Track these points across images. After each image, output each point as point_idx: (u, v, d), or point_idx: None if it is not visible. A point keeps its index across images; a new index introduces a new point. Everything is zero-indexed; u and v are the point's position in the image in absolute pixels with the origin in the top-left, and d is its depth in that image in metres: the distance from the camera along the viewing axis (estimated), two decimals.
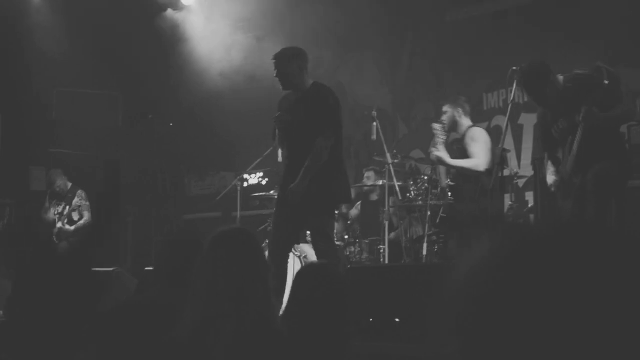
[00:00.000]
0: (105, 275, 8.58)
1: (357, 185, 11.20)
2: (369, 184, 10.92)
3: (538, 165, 8.91)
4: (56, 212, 11.71)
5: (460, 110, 9.14)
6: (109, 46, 12.63)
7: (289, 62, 7.38)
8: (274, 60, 7.46)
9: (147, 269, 8.55)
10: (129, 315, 4.02)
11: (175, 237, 5.01)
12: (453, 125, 9.21)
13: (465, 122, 9.13)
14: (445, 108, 9.24)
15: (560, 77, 6.92)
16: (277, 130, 7.47)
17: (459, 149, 9.08)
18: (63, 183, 11.80)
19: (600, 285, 1.13)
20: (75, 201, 11.63)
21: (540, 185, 8.35)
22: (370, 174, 11.02)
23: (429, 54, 12.66)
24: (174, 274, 4.25)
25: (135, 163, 11.35)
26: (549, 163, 7.22)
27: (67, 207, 11.61)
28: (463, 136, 9.07)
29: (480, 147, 8.84)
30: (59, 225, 11.56)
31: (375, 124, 9.65)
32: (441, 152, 8.83)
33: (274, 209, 8.09)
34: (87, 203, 11.67)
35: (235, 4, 11.46)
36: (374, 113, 9.74)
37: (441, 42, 12.41)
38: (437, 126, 9.03)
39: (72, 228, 11.55)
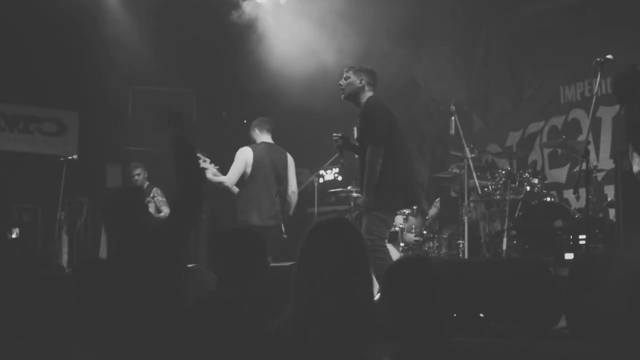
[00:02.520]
0: (187, 271, 8.60)
1: (433, 176, 11.17)
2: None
3: (619, 159, 8.78)
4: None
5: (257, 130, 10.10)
6: (182, 43, 12.73)
7: (356, 75, 7.57)
8: (346, 71, 7.67)
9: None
10: (214, 312, 4.03)
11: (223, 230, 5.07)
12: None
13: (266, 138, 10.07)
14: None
15: None
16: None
17: None
18: (142, 177, 11.82)
19: None
20: (156, 198, 11.61)
21: (621, 179, 8.21)
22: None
23: (503, 48, 12.55)
24: (235, 268, 4.29)
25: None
26: (635, 154, 7.07)
27: (152, 205, 11.59)
28: None
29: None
30: None
31: (453, 118, 9.58)
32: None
33: None
34: (164, 199, 11.63)
35: (310, 1, 11.46)
36: (452, 107, 9.66)
37: (516, 35, 12.30)
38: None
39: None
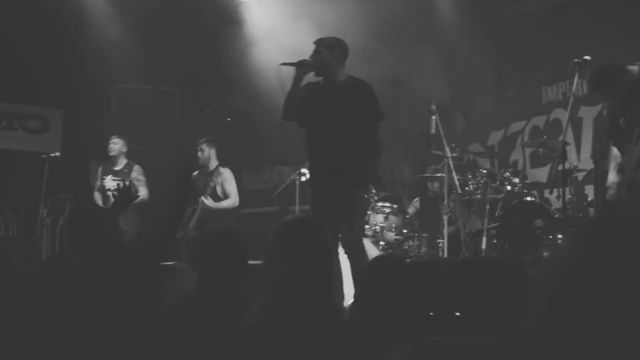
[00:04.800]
0: (166, 269, 8.60)
1: (415, 176, 11.21)
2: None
3: (599, 159, 8.83)
4: (104, 187, 11.34)
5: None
6: (166, 41, 12.72)
7: (329, 50, 7.43)
8: (314, 45, 7.49)
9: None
10: (192, 314, 4.04)
11: (215, 232, 5.02)
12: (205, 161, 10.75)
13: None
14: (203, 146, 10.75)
15: (636, 68, 6.81)
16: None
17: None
18: (118, 147, 11.47)
19: None
20: (133, 175, 11.23)
21: (600, 179, 8.26)
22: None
23: (486, 48, 12.58)
24: (218, 270, 4.29)
25: (192, 158, 11.36)
26: (612, 156, 7.10)
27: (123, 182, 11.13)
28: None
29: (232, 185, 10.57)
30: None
31: (434, 117, 9.61)
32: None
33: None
34: (145, 179, 11.32)
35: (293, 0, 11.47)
36: (433, 107, 9.70)
37: (499, 35, 12.33)
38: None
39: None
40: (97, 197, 11.43)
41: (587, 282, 1.19)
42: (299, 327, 3.36)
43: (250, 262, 4.35)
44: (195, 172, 10.96)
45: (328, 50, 7.41)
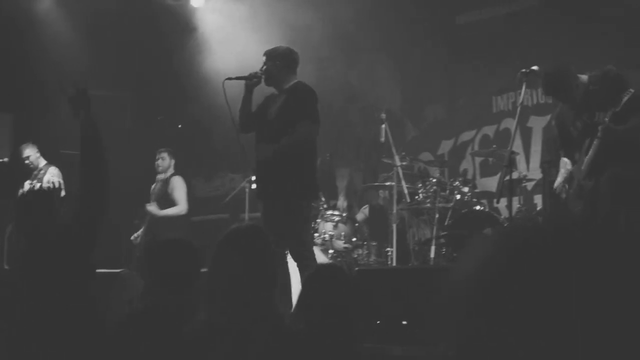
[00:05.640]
0: (112, 277, 8.54)
1: (366, 185, 11.23)
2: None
3: (547, 168, 8.90)
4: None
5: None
6: (118, 47, 12.65)
7: (271, 60, 7.42)
8: (264, 56, 7.49)
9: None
10: (140, 325, 4.01)
11: (167, 240, 4.97)
12: (164, 170, 10.89)
13: None
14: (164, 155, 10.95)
15: (584, 77, 6.88)
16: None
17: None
18: (34, 157, 11.18)
19: (600, 287, 1.12)
20: (47, 178, 10.94)
21: (548, 188, 8.32)
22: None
23: (438, 57, 12.64)
24: (170, 278, 4.25)
25: (143, 164, 11.29)
26: (563, 164, 7.16)
27: (38, 185, 10.74)
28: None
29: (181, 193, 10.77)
30: None
31: (383, 126, 9.63)
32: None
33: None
34: (60, 180, 10.96)
35: (241, 6, 11.46)
36: (383, 115, 9.72)
37: (452, 44, 12.40)
38: None
39: None
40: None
41: (504, 286, 1.19)
42: (241, 334, 3.37)
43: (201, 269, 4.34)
44: (154, 184, 11.01)
45: (271, 60, 7.44)
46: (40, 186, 10.26)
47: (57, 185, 10.67)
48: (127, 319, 4.20)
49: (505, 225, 8.81)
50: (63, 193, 10.79)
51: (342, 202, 11.93)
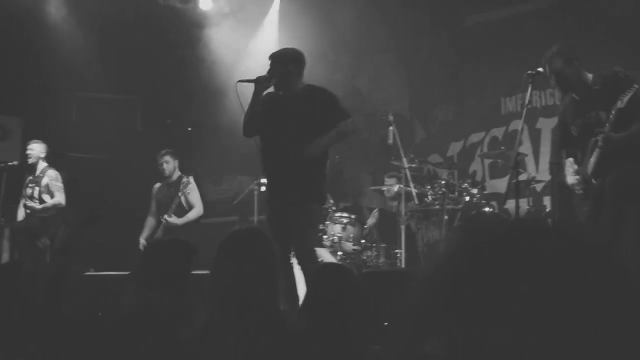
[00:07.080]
0: (122, 279, 8.56)
1: (374, 188, 11.22)
2: (386, 191, 10.94)
3: (555, 170, 8.87)
4: (26, 195, 11.05)
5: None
6: (128, 51, 12.69)
7: (282, 63, 7.35)
8: (270, 59, 7.42)
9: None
10: (133, 325, 4.01)
11: (163, 240, 4.96)
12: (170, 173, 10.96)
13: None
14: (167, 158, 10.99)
15: (590, 75, 6.86)
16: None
17: None
18: (36, 153, 11.16)
19: (547, 280, 1.15)
20: (44, 181, 10.99)
21: (557, 189, 8.29)
22: (392, 180, 10.91)
23: (446, 58, 12.64)
24: (164, 278, 4.25)
25: (153, 166, 11.30)
26: (568, 163, 7.10)
27: (37, 189, 10.90)
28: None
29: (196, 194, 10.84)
30: (29, 203, 10.94)
31: (391, 128, 9.64)
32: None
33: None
34: (59, 184, 10.99)
35: (250, 10, 11.48)
36: (390, 117, 9.73)
37: (459, 46, 12.40)
38: None
39: (39, 206, 10.87)
40: (20, 206, 11.17)
41: (471, 281, 1.22)
42: (243, 336, 3.37)
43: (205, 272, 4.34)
44: (157, 185, 10.95)
45: (282, 63, 7.33)
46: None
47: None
48: (120, 320, 4.19)
49: (469, 222, 8.86)
50: (57, 197, 10.92)
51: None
